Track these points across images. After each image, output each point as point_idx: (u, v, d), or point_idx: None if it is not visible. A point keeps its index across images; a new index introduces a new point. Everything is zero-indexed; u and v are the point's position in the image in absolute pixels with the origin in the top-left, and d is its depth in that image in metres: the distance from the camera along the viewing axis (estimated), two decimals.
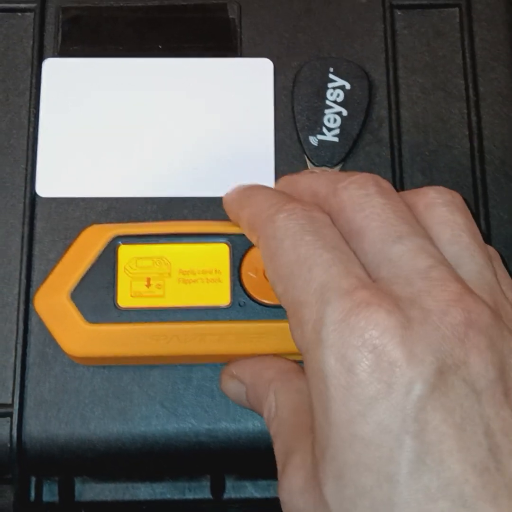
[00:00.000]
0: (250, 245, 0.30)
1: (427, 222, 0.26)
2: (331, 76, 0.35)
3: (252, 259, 0.30)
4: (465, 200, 0.27)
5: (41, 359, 0.32)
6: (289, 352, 0.30)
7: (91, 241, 0.30)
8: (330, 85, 0.35)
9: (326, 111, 0.35)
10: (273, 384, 0.28)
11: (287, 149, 0.35)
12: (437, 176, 0.35)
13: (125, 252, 0.30)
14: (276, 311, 0.29)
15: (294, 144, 0.35)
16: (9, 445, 0.32)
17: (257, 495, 0.34)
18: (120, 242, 0.30)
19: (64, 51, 0.36)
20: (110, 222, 0.33)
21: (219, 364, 0.32)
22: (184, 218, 0.33)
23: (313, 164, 0.35)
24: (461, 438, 0.22)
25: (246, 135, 0.35)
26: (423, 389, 0.22)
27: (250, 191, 0.28)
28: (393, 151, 0.35)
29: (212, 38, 0.36)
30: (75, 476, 0.34)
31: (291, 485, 0.25)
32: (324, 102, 0.35)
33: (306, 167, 0.35)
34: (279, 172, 0.34)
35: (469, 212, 0.27)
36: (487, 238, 0.34)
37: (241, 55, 0.36)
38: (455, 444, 0.22)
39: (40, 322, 0.31)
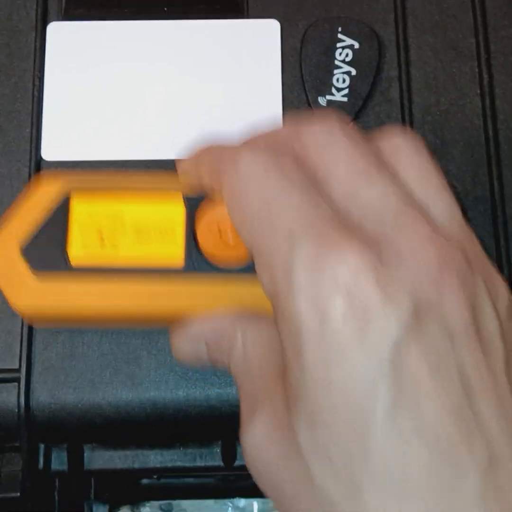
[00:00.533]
0: (206, 205, 0.28)
1: (393, 166, 0.25)
2: (339, 36, 0.35)
3: (207, 217, 0.28)
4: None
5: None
6: None
7: (43, 193, 0.29)
8: (338, 45, 0.35)
9: (335, 71, 0.34)
10: (239, 327, 0.27)
11: (296, 110, 0.34)
12: (448, 136, 0.34)
13: (78, 206, 0.29)
14: (230, 275, 0.28)
15: (302, 105, 0.34)
16: (17, 411, 0.31)
17: None
18: (73, 196, 0.29)
19: (68, 14, 0.35)
20: None
21: None
22: None
23: None
24: (437, 382, 0.21)
25: (253, 97, 0.34)
26: (399, 332, 0.21)
27: (204, 148, 0.27)
28: (403, 111, 0.34)
29: None
30: (84, 443, 0.33)
31: (256, 434, 0.24)
32: (333, 62, 0.34)
33: None
34: None
35: (430, 155, 0.26)
36: (500, 198, 0.33)
37: (247, 16, 0.35)
38: (431, 388, 0.21)
39: None
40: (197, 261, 0.28)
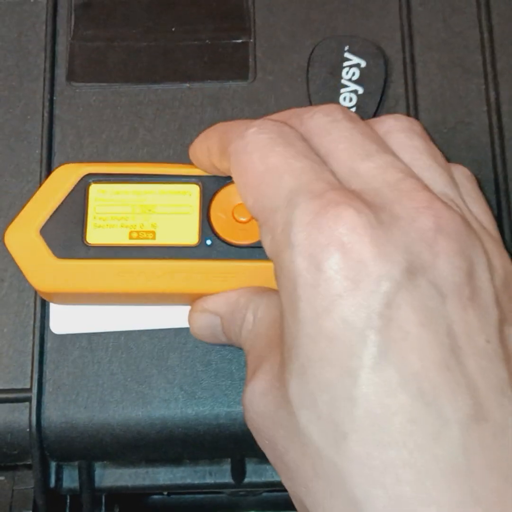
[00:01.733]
0: (220, 186, 0.30)
1: (390, 147, 0.26)
2: (346, 54, 0.35)
3: (222, 199, 0.30)
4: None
5: (60, 343, 0.32)
6: None
7: (63, 178, 0.30)
8: (345, 63, 0.35)
9: (342, 90, 0.35)
10: (251, 303, 0.28)
11: None
12: (455, 153, 0.34)
13: (95, 190, 0.30)
14: (243, 251, 0.29)
15: None
16: (28, 430, 0.31)
17: (278, 478, 0.33)
18: (90, 181, 0.30)
19: (77, 36, 0.36)
20: None
21: (237, 349, 0.32)
22: None
23: None
24: (424, 336, 0.22)
25: None
26: (390, 286, 0.22)
27: (212, 127, 0.29)
28: None
29: (225, 18, 0.36)
30: (95, 461, 0.33)
31: (254, 390, 0.25)
32: (340, 81, 0.35)
33: None
34: None
35: (428, 137, 0.26)
36: (508, 216, 0.33)
37: (254, 34, 0.36)
38: (418, 342, 0.22)
39: None
40: (210, 238, 0.30)
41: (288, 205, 0.23)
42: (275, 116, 0.27)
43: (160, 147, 0.34)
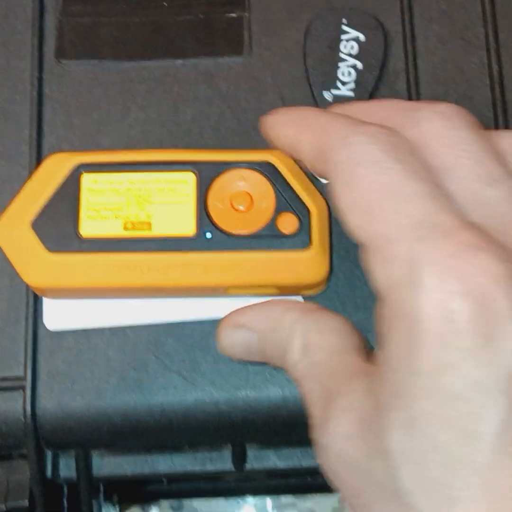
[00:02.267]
0: (217, 173, 0.29)
1: None
2: (344, 27, 0.34)
3: (219, 187, 0.29)
4: None
5: (54, 330, 0.31)
6: (256, 284, 0.29)
7: (54, 169, 0.29)
8: (343, 37, 0.34)
9: (340, 64, 0.33)
10: (299, 325, 0.26)
11: (301, 105, 0.33)
12: None
13: (87, 180, 0.29)
14: (243, 242, 0.29)
15: (307, 100, 0.34)
16: (23, 419, 0.31)
17: (281, 464, 0.33)
18: (82, 171, 0.29)
19: (66, 11, 0.34)
20: None
21: None
22: None
23: None
24: None
25: None
26: None
27: (307, 113, 0.26)
28: None
29: None
30: (92, 449, 0.33)
31: (337, 431, 0.23)
32: (338, 55, 0.34)
33: None
34: None
35: None
36: None
37: (249, 8, 0.34)
38: None
39: None
40: (208, 229, 0.29)
41: (412, 238, 0.21)
42: (375, 106, 0.25)
43: (153, 126, 0.33)
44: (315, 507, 0.47)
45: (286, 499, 0.47)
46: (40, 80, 0.34)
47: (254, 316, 0.27)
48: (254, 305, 0.28)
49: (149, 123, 0.33)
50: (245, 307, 0.28)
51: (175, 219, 0.29)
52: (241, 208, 0.29)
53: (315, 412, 0.24)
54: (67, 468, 0.32)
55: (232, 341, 0.28)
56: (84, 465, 0.32)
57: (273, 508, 0.47)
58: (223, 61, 0.34)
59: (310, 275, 0.29)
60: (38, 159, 0.33)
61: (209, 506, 0.47)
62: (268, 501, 0.47)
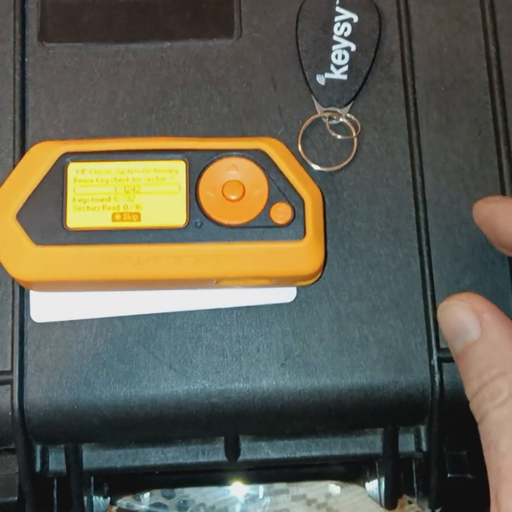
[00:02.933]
0: (208, 162, 0.28)
1: None
2: (337, 8, 0.33)
3: (210, 176, 0.28)
4: None
5: (41, 322, 0.31)
6: (249, 276, 0.28)
7: (39, 158, 0.28)
8: (336, 18, 0.33)
9: (334, 47, 0.33)
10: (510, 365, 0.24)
11: (293, 89, 0.33)
12: (454, 113, 0.33)
13: (74, 170, 0.28)
14: (235, 232, 0.28)
15: (300, 84, 0.33)
16: (10, 413, 0.30)
17: (274, 455, 0.32)
18: (68, 160, 0.28)
19: None
20: None
21: (229, 323, 0.30)
22: None
23: (321, 105, 0.32)
24: None
25: None
26: None
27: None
28: (406, 88, 0.33)
29: None
30: (82, 443, 0.32)
31: None
32: (331, 37, 0.33)
33: (313, 108, 0.32)
34: (285, 114, 0.32)
35: None
36: (510, 177, 0.32)
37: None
38: None
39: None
40: (199, 219, 0.28)
41: None
42: None
43: (141, 111, 0.32)
44: (308, 493, 0.47)
45: (278, 485, 0.46)
46: (23, 64, 0.33)
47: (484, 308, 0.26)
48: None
49: (137, 109, 0.32)
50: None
51: (165, 209, 0.28)
52: (233, 197, 0.28)
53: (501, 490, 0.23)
54: (57, 461, 0.32)
55: (456, 318, 0.27)
56: (74, 459, 0.32)
57: (265, 494, 0.47)
58: (213, 43, 0.33)
59: (305, 266, 0.28)
60: (22, 146, 0.32)
61: (201, 492, 0.47)
62: (260, 487, 0.47)
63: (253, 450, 0.32)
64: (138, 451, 0.32)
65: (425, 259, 0.31)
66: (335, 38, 0.33)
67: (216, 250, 0.28)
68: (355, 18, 0.33)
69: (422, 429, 0.32)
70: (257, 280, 0.29)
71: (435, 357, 0.30)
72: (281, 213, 0.28)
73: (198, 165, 0.28)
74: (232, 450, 0.32)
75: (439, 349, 0.30)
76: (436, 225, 0.32)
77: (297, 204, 0.28)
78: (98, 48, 0.33)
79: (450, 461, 0.31)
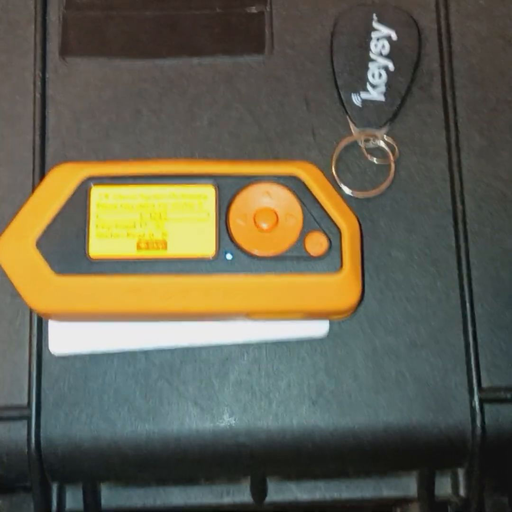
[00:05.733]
0: (239, 188, 0.27)
1: None
2: (375, 24, 0.31)
3: (241, 203, 0.27)
4: None
5: (59, 354, 0.29)
6: (282, 310, 0.27)
7: (61, 182, 0.27)
8: (374, 35, 0.31)
9: (370, 65, 0.31)
10: None
11: (327, 110, 0.31)
12: (497, 136, 0.31)
13: (97, 195, 0.27)
14: (267, 264, 0.27)
15: (334, 104, 0.31)
16: (27, 450, 0.29)
17: (302, 497, 0.31)
18: (92, 184, 0.27)
19: (71, 4, 0.32)
20: None
21: (258, 357, 0.29)
22: None
23: (357, 126, 0.31)
24: None
25: None
26: None
27: None
28: (446, 109, 0.31)
29: None
30: (101, 482, 0.30)
31: None
32: (368, 54, 0.31)
33: (348, 130, 0.31)
34: (319, 136, 0.31)
35: None
36: None
37: (271, 2, 0.32)
38: None
39: None
40: (229, 249, 0.27)
41: None
42: None
43: (167, 131, 0.31)
44: None
45: None
46: (44, 80, 0.31)
47: None
48: None
49: (163, 129, 0.31)
50: None
51: (193, 238, 0.27)
52: (265, 226, 0.27)
53: None
54: (74, 501, 0.30)
55: None
56: (93, 498, 0.30)
57: None
58: (243, 60, 0.32)
59: (341, 301, 0.27)
60: (42, 167, 0.30)
61: None
62: None
63: (281, 491, 0.31)
64: (160, 491, 0.31)
65: (466, 292, 0.30)
66: (372, 55, 0.31)
67: (247, 283, 0.27)
68: (393, 35, 0.31)
69: (461, 472, 0.30)
70: (289, 314, 0.27)
71: (476, 397, 0.29)
72: (317, 244, 0.27)
73: (228, 191, 0.27)
74: (259, 491, 0.31)
75: (480, 389, 0.29)
76: (477, 256, 0.30)
77: (334, 235, 0.27)
78: (123, 63, 0.32)
79: (490, 507, 0.30)
